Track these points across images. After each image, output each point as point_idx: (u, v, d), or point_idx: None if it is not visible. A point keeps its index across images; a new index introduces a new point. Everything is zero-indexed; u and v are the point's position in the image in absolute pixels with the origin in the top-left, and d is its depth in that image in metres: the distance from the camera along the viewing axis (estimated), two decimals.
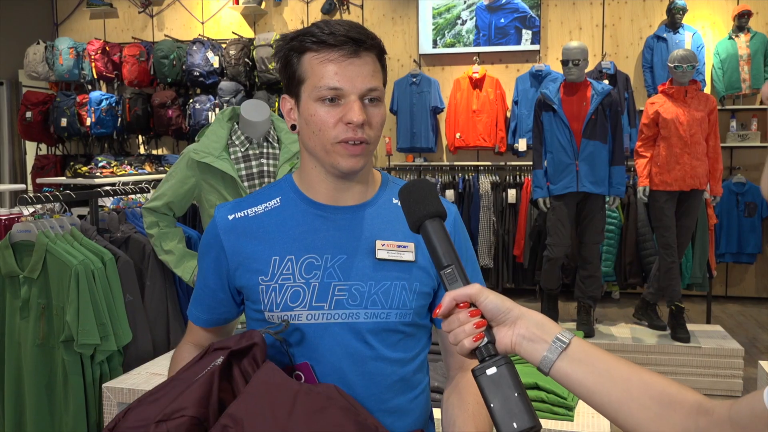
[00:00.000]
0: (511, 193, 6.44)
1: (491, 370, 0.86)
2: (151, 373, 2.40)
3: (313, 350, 1.16)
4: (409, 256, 1.18)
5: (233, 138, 2.58)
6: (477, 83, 6.61)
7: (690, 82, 4.49)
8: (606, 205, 4.74)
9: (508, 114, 6.70)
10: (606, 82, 5.81)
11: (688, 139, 4.45)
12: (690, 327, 4.80)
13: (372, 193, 1.23)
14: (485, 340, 0.88)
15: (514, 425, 0.83)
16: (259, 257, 1.17)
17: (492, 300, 0.89)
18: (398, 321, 1.17)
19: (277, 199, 1.22)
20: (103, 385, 2.32)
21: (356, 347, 1.16)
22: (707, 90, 6.30)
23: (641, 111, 5.32)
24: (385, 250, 1.17)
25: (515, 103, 6.59)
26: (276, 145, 2.62)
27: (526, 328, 0.87)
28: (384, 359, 1.17)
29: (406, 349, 1.21)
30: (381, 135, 1.18)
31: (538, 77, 6.39)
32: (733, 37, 6.19)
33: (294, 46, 1.13)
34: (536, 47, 6.60)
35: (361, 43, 1.10)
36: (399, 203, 1.21)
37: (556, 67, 6.31)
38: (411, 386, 1.22)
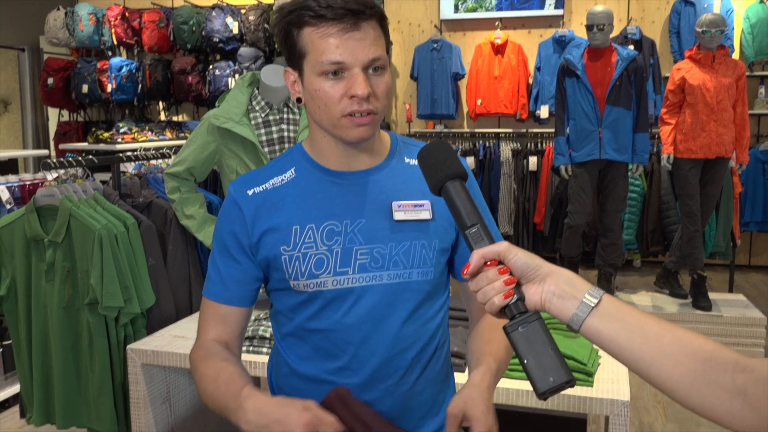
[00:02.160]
0: (532, 161, 6.38)
1: (523, 326, 0.86)
2: (174, 336, 2.43)
3: (338, 314, 1.17)
4: (426, 215, 1.19)
5: (253, 103, 2.57)
6: (499, 49, 6.52)
7: (718, 48, 4.39)
8: (629, 173, 4.69)
9: (530, 80, 6.60)
10: (631, 47, 5.69)
11: (714, 105, 4.36)
12: (712, 296, 4.77)
13: (383, 155, 1.23)
14: (515, 297, 0.87)
15: (551, 379, 0.83)
16: (280, 228, 1.18)
17: (521, 257, 0.88)
18: (421, 279, 1.18)
19: (292, 170, 1.22)
20: (128, 346, 2.36)
21: (380, 309, 1.17)
22: (736, 55, 6.14)
23: (667, 77, 5.21)
24: (402, 210, 1.18)
25: (538, 69, 6.49)
26: (296, 110, 2.61)
27: (556, 285, 0.86)
28: (407, 318, 1.19)
29: (429, 307, 1.22)
30: (388, 102, 1.17)
31: (561, 43, 6.28)
32: (764, 0, 6.02)
33: (292, 20, 1.11)
34: (560, 12, 6.48)
35: (360, 14, 1.08)
36: (411, 163, 1.22)
37: (580, 33, 6.19)
38: (432, 342, 1.24)
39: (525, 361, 0.85)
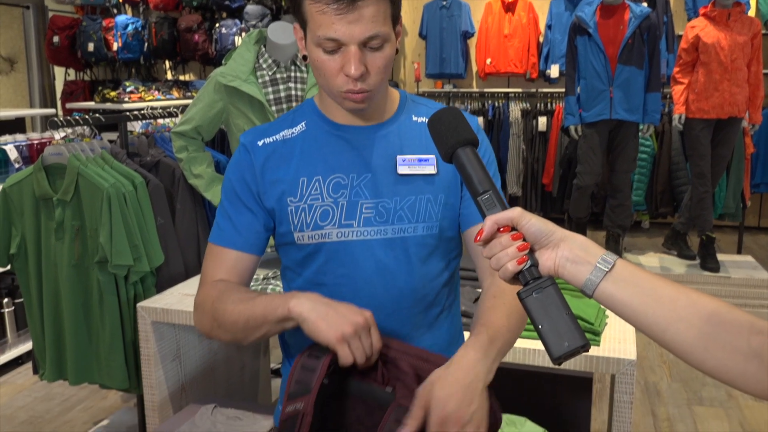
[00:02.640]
0: (542, 121, 6.32)
1: (537, 292, 0.86)
2: (183, 294, 2.45)
3: (343, 267, 1.18)
4: (431, 169, 1.19)
5: (260, 61, 2.55)
6: (509, 6, 6.41)
7: (734, 5, 4.30)
8: (639, 133, 4.64)
9: (541, 39, 6.50)
10: (644, 4, 5.58)
11: (728, 64, 4.29)
12: (720, 257, 4.76)
13: (391, 111, 1.23)
14: (528, 263, 0.87)
15: (566, 344, 0.83)
16: (287, 179, 1.19)
17: (534, 223, 0.87)
18: (426, 234, 1.19)
19: (303, 123, 1.23)
20: (138, 304, 2.38)
21: (385, 262, 1.18)
22: (752, 13, 6.02)
23: (680, 36, 5.12)
24: (406, 165, 1.19)
25: (548, 27, 6.38)
26: (304, 68, 2.58)
27: (570, 250, 0.86)
28: (413, 273, 1.19)
29: (435, 263, 1.22)
30: (387, 74, 1.15)
31: (573, 0, 6.17)
32: None
33: None
34: None
35: None
36: (418, 120, 1.22)
37: None
38: (440, 300, 1.24)
39: (540, 327, 0.85)
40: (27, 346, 3.88)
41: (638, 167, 5.75)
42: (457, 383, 1.02)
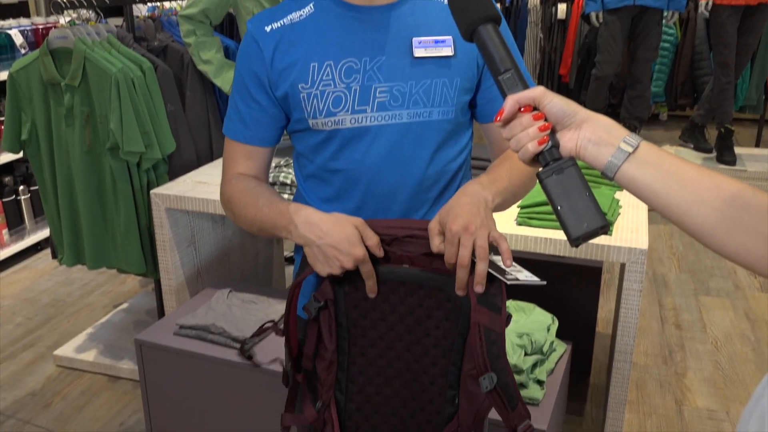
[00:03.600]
0: (561, 8, 6.08)
1: (557, 173, 0.84)
2: (196, 182, 2.46)
3: (357, 153, 1.16)
4: (448, 51, 1.15)
5: None
6: None
7: None
8: (663, 21, 4.46)
9: None
10: None
11: None
12: (738, 150, 4.70)
13: None
14: (549, 143, 0.84)
15: (585, 225, 0.82)
16: (298, 65, 1.14)
17: (557, 102, 0.84)
18: (441, 119, 1.16)
19: (311, 5, 1.17)
20: (151, 191, 2.40)
21: (400, 148, 1.15)
22: None
23: None
24: (422, 47, 1.14)
25: None
26: None
27: (593, 132, 0.83)
28: (427, 159, 1.17)
29: (450, 147, 1.20)
30: None
31: None
32: None
33: None
34: None
35: None
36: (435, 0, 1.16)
37: None
38: (454, 184, 1.23)
39: (559, 208, 0.83)
40: (45, 232, 3.96)
41: (660, 56, 5.58)
42: (463, 202, 1.04)
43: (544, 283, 1.03)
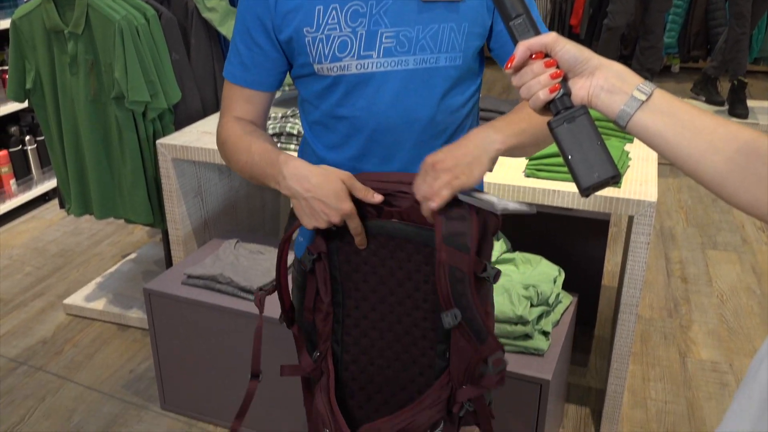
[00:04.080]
0: None
1: (569, 122, 0.82)
2: (202, 132, 2.44)
3: (363, 100, 1.14)
4: None
5: None
6: None
7: None
8: None
9: None
10: None
11: None
12: (750, 103, 4.63)
13: None
14: (561, 91, 0.83)
15: (596, 175, 0.81)
16: (303, 8, 1.12)
17: (569, 49, 0.82)
18: (448, 65, 1.13)
19: None
20: (157, 141, 2.38)
21: (406, 95, 1.13)
22: None
23: None
24: None
25: None
26: None
27: (605, 79, 0.81)
28: (433, 106, 1.15)
29: (456, 95, 1.18)
30: None
31: None
32: None
33: None
34: None
35: None
36: None
37: None
38: (460, 132, 1.21)
39: (569, 157, 0.82)
40: (52, 183, 3.96)
41: (673, 6, 5.45)
42: (459, 143, 1.04)
43: (535, 211, 1.02)
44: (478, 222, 1.03)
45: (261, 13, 1.14)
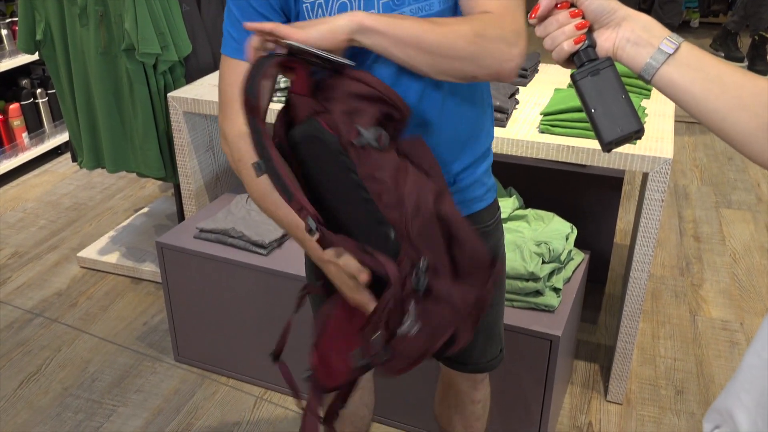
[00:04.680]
0: None
1: (593, 74, 0.80)
2: (213, 85, 2.42)
3: (368, 58, 1.10)
4: None
5: None
6: None
7: None
8: None
9: None
10: None
11: None
12: None
13: None
14: (586, 42, 0.80)
15: (619, 129, 0.79)
16: None
17: None
18: (443, 8, 1.10)
19: None
20: (168, 94, 2.37)
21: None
22: None
23: None
24: None
25: None
26: None
27: (632, 31, 0.79)
28: None
29: None
30: None
31: None
32: None
33: None
34: None
35: None
36: None
37: None
38: (469, 91, 1.18)
39: (593, 110, 0.80)
40: (64, 136, 3.96)
41: None
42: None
43: (353, 63, 0.98)
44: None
45: None
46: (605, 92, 0.80)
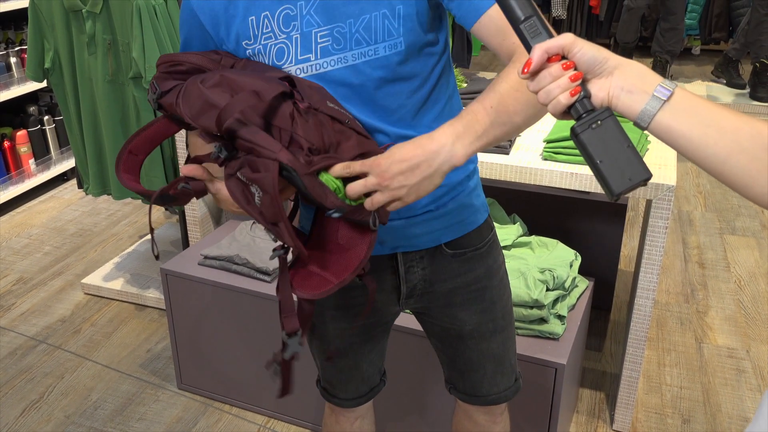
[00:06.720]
0: None
1: (594, 126, 0.79)
2: None
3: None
4: None
5: None
6: None
7: None
8: None
9: None
10: None
11: None
12: None
13: None
14: (582, 94, 0.79)
15: (628, 179, 0.78)
16: (236, 22, 1.11)
17: (587, 50, 0.79)
18: (390, 53, 1.09)
19: None
20: None
21: (351, 90, 1.10)
22: None
23: None
24: None
25: None
26: None
27: (625, 79, 0.79)
28: (385, 93, 1.11)
29: (412, 74, 1.12)
30: None
31: None
32: None
33: None
34: None
35: None
36: None
37: None
38: (432, 103, 1.17)
39: (599, 162, 0.78)
40: (70, 162, 3.99)
41: None
42: (417, 156, 0.97)
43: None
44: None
45: (201, 35, 1.14)
46: (609, 143, 0.79)
